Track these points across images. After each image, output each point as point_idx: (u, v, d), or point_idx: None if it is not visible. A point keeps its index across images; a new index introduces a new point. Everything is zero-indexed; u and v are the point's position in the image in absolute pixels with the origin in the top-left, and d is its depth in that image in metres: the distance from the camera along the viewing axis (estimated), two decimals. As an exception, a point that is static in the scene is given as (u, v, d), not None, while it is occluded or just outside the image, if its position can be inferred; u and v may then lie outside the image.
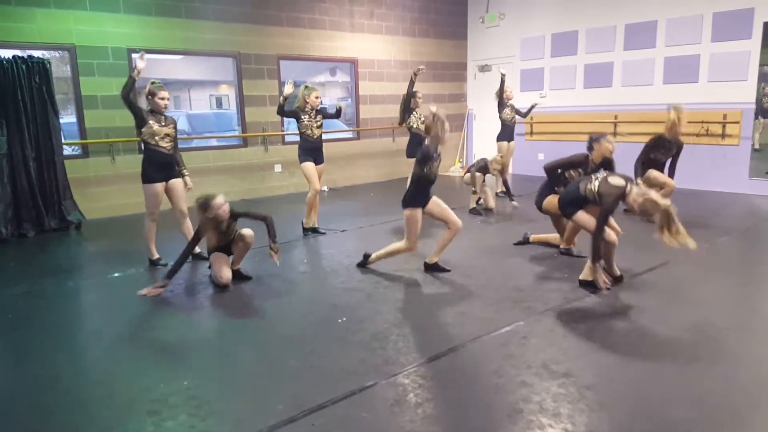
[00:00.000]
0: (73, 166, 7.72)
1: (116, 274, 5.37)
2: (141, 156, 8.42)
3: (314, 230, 6.81)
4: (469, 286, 4.78)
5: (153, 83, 5.35)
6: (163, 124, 5.33)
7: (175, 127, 5.50)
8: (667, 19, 9.31)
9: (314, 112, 6.45)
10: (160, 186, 5.44)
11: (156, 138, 5.30)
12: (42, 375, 3.43)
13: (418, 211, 4.90)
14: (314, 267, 5.51)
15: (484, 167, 7.82)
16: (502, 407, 2.91)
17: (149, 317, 4.32)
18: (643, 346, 3.62)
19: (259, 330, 4.08)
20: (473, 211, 7.67)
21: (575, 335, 3.79)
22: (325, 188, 10.44)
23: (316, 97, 6.41)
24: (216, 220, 4.83)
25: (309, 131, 6.44)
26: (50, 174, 7.27)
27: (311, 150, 6.51)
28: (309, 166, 6.55)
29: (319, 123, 6.49)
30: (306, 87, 6.50)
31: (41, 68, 7.10)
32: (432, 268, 5.19)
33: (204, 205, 4.74)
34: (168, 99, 5.34)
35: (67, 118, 9.03)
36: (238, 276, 5.09)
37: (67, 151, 7.97)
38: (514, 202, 7.62)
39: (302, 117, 6.40)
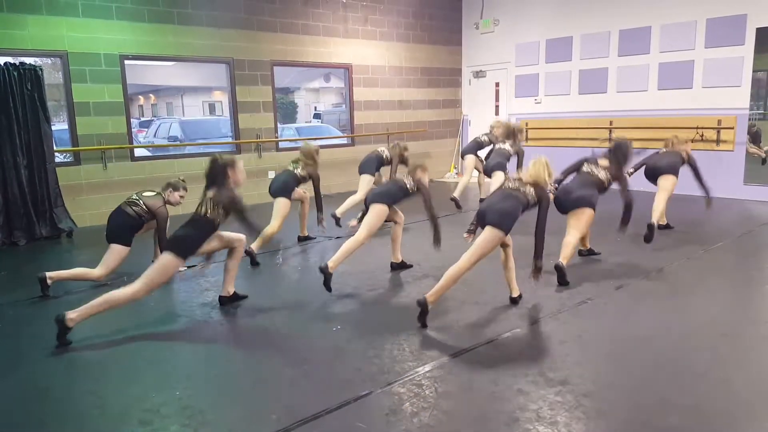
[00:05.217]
0: (65, 174, 7.66)
1: (107, 284, 5.31)
2: (133, 163, 8.33)
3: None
4: (466, 294, 4.74)
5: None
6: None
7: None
8: (661, 25, 9.34)
9: None
10: None
11: None
12: (33, 384, 3.39)
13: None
14: (308, 275, 5.46)
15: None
16: (499, 416, 2.88)
17: (140, 327, 4.26)
18: (640, 353, 3.60)
19: (253, 339, 4.04)
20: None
21: (572, 342, 3.77)
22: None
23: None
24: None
25: None
26: (41, 181, 7.19)
27: None
28: None
29: None
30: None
31: (33, 75, 7.03)
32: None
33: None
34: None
35: (59, 125, 8.99)
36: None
37: (59, 158, 7.90)
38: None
39: None
